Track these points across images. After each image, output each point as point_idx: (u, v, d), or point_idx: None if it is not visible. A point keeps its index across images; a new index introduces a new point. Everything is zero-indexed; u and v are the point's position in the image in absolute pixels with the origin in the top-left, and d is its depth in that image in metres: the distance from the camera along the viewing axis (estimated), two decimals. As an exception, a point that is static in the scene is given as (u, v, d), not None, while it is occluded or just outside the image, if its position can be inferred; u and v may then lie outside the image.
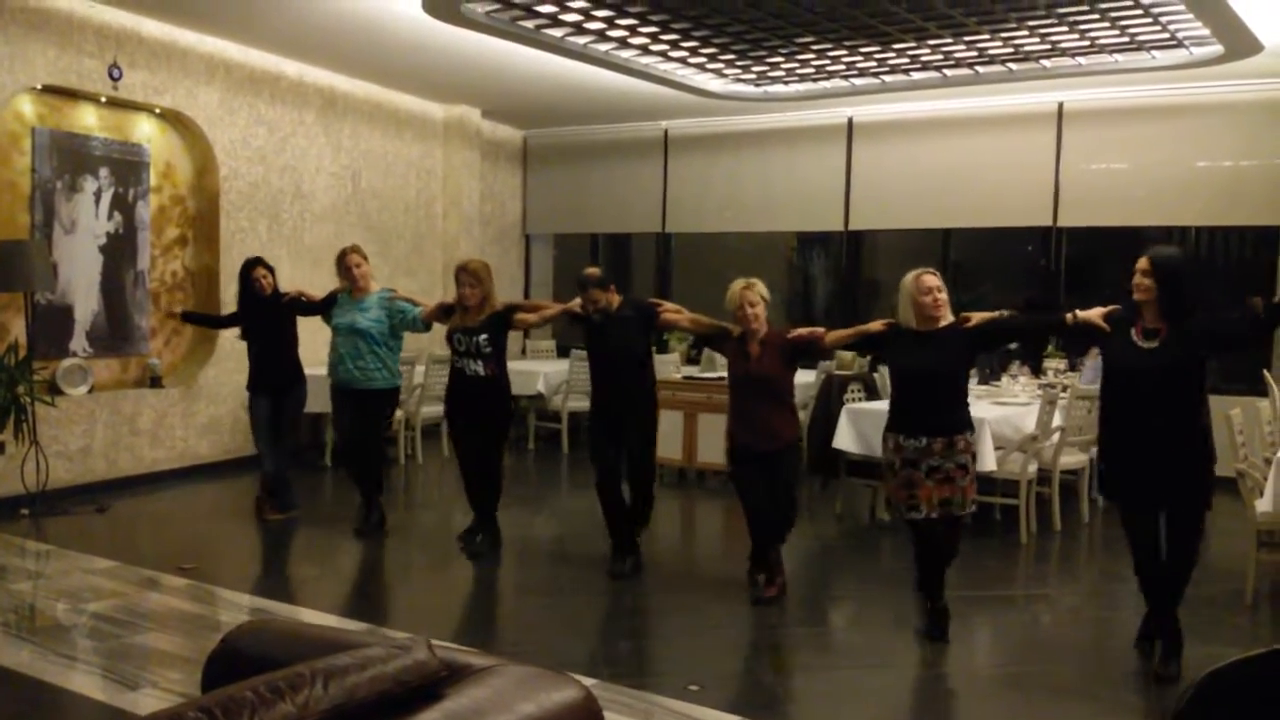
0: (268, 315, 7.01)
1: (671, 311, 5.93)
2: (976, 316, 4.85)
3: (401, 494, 8.66)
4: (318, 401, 7.53)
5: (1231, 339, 4.57)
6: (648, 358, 6.03)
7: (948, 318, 4.83)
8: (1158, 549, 4.53)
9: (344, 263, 6.75)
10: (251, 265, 7.06)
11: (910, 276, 4.87)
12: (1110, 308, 4.53)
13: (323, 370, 7.07)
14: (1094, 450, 7.55)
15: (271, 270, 7.08)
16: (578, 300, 6.02)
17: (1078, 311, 4.61)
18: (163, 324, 8.63)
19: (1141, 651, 4.74)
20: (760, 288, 5.36)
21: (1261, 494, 5.46)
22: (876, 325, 5.05)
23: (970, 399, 7.33)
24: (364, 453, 6.84)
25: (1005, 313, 5.04)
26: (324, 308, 6.89)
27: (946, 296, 4.82)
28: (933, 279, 4.81)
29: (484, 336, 6.10)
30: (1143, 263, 4.35)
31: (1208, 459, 4.45)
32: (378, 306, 6.67)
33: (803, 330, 5.38)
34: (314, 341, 7.62)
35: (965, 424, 4.83)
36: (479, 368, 6.13)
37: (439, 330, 9.53)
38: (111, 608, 5.22)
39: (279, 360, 7.04)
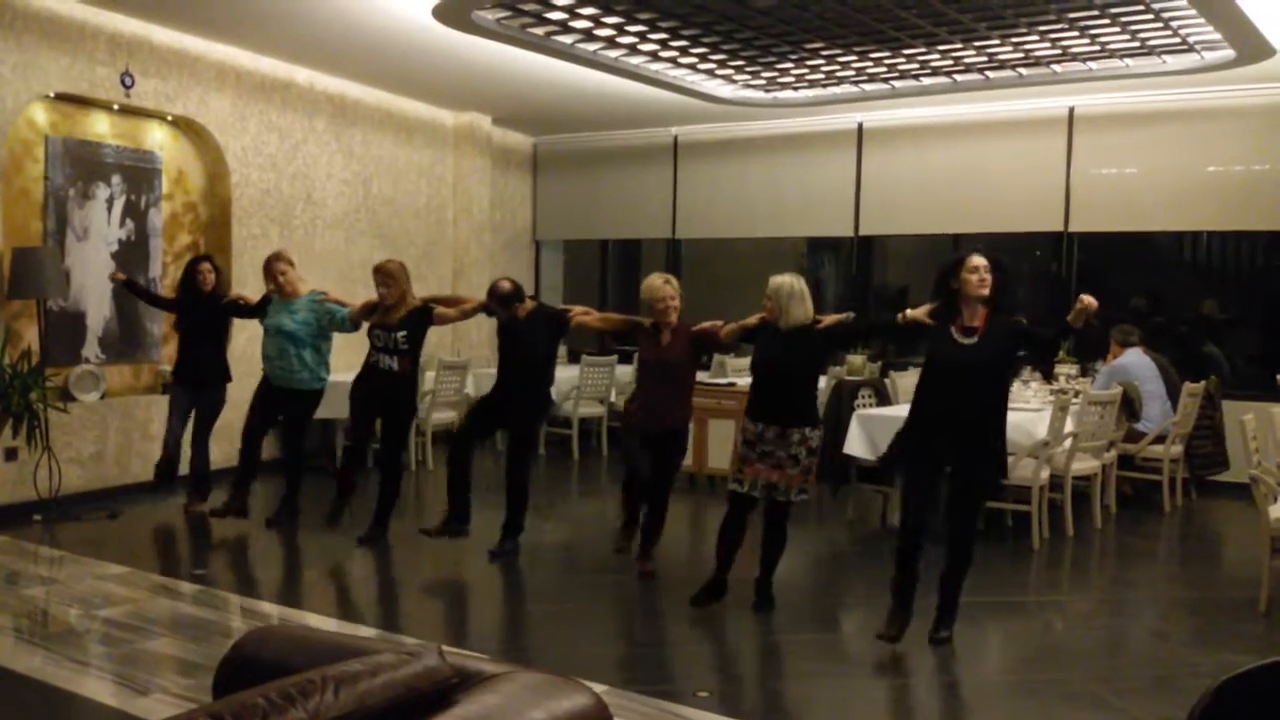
0: (203, 312, 7.23)
1: (580, 313, 6.40)
2: (826, 320, 5.31)
3: (412, 500, 8.66)
4: (329, 408, 7.55)
5: (1043, 343, 5.27)
6: (547, 364, 6.46)
7: (796, 321, 5.19)
8: (925, 517, 4.85)
9: (269, 270, 6.97)
10: (198, 261, 7.31)
11: (769, 284, 5.30)
12: (933, 305, 4.84)
13: (340, 376, 7.23)
14: (1109, 454, 7.55)
15: (218, 270, 7.29)
16: None
17: (907, 311, 4.98)
18: (174, 330, 8.64)
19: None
20: (675, 282, 5.88)
21: (1275, 499, 5.43)
22: (753, 320, 5.42)
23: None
24: (291, 455, 7.15)
25: (851, 315, 5.63)
26: (258, 311, 7.11)
27: (785, 304, 5.18)
28: (770, 286, 5.24)
29: (402, 334, 6.43)
30: (981, 260, 4.69)
31: (1003, 447, 4.88)
32: (306, 309, 6.88)
33: (705, 324, 5.79)
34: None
35: (804, 419, 5.23)
36: (393, 363, 6.47)
37: (450, 334, 9.54)
38: (123, 613, 5.23)
39: (203, 357, 7.25)
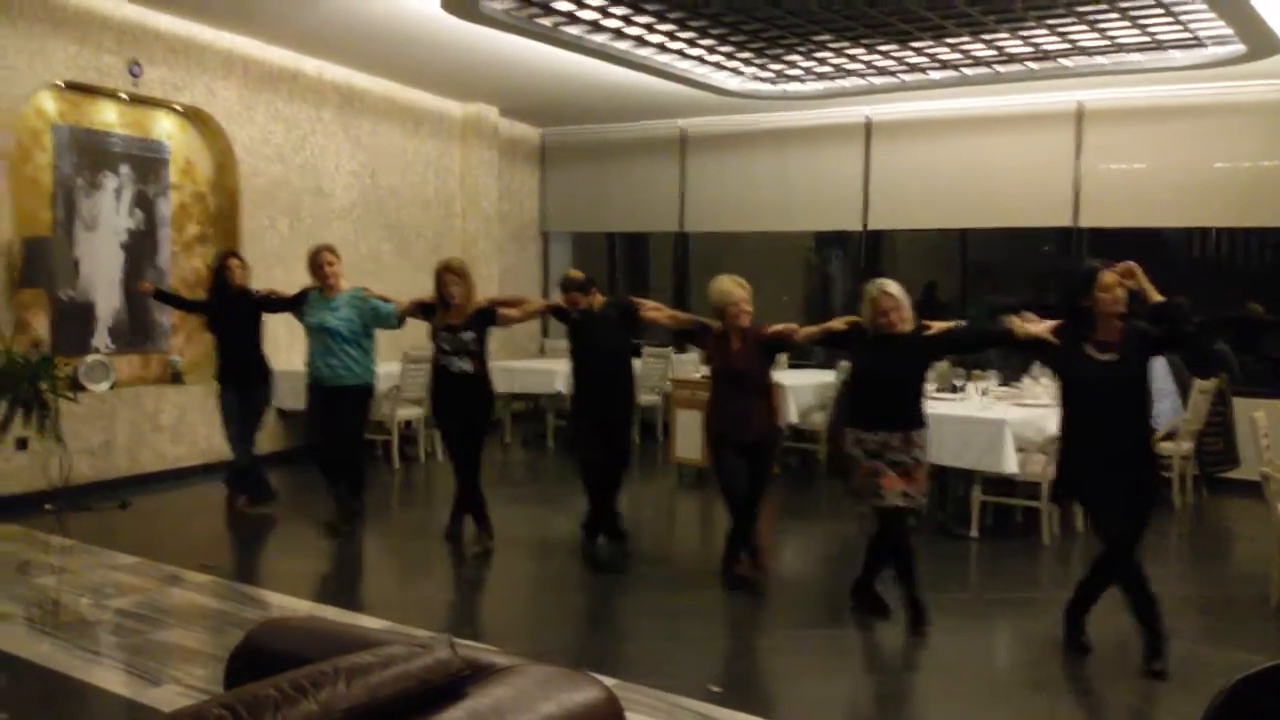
0: (235, 308, 7.10)
1: (652, 309, 6.15)
2: (936, 326, 5.05)
3: (423, 492, 8.68)
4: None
5: (1171, 345, 4.87)
6: (629, 355, 6.29)
7: (907, 326, 4.98)
8: (1136, 548, 4.63)
9: (316, 261, 6.76)
10: (225, 255, 7.22)
11: (874, 290, 5.01)
12: (1057, 323, 4.70)
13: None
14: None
15: (244, 264, 7.18)
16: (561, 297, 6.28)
17: (1029, 327, 4.80)
18: (184, 321, 8.66)
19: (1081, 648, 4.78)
20: (747, 285, 5.54)
21: (1286, 497, 5.41)
22: (839, 324, 5.26)
23: (991, 400, 7.41)
24: (336, 450, 6.87)
25: (962, 324, 5.37)
26: (294, 305, 6.92)
27: (905, 311, 4.97)
28: (889, 300, 4.95)
29: (470, 334, 6.21)
30: (1115, 276, 4.51)
31: (1156, 461, 4.78)
32: (348, 305, 6.71)
33: (778, 327, 5.57)
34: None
35: (920, 422, 5.05)
36: (466, 365, 6.22)
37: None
38: (134, 603, 5.25)
39: (241, 354, 7.12)
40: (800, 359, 10.18)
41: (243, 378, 7.13)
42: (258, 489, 7.32)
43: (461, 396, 6.29)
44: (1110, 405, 4.51)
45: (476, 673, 1.95)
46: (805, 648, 4.99)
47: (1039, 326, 4.73)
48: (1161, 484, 4.79)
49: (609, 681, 2.80)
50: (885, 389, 5.01)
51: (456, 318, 6.22)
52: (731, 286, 5.48)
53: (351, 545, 6.66)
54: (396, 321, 6.69)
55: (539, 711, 1.87)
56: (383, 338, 7.00)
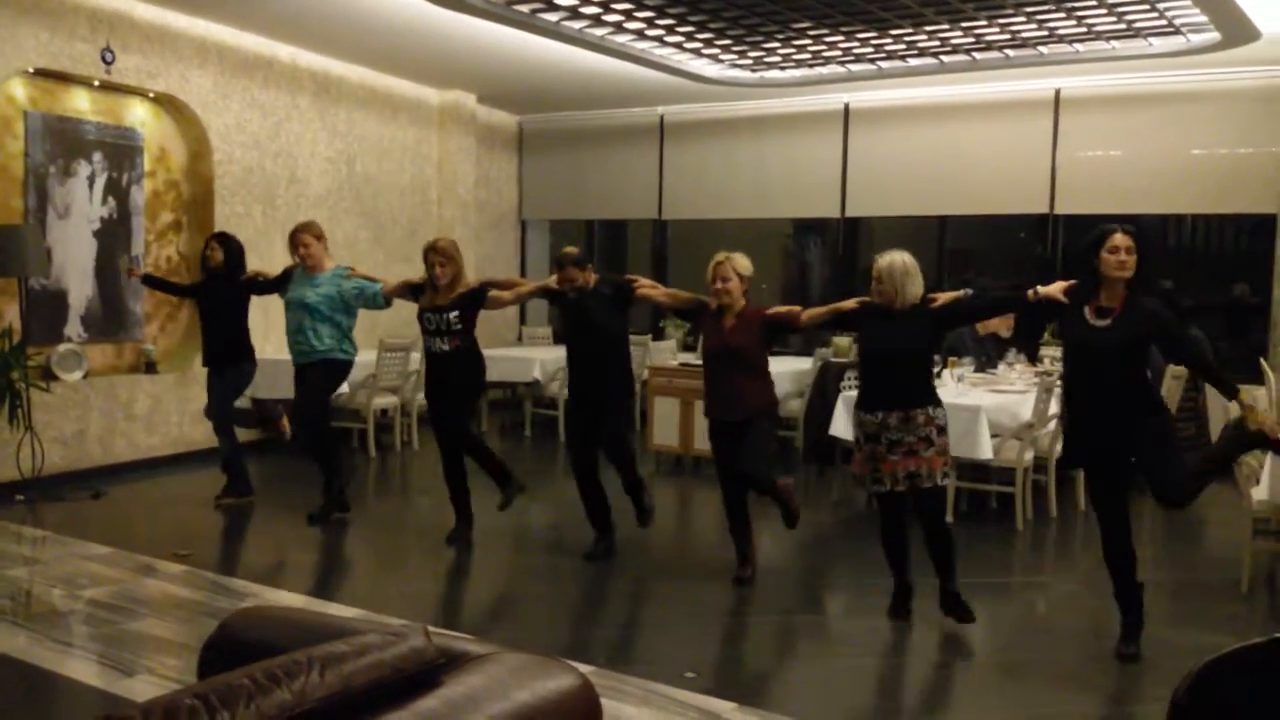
0: (216, 290, 7.04)
1: (647, 287, 6.02)
2: (943, 297, 4.93)
3: (398, 480, 8.66)
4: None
5: (1178, 353, 4.77)
6: (625, 335, 6.15)
7: (909, 300, 4.84)
8: (1128, 527, 4.58)
9: (293, 241, 6.73)
10: (210, 238, 7.17)
11: (874, 265, 4.92)
12: (1070, 283, 4.59)
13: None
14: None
15: (228, 246, 7.04)
16: (554, 277, 6.09)
17: (1039, 288, 4.67)
18: (157, 309, 8.59)
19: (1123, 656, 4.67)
20: (738, 261, 5.42)
21: (1258, 482, 5.47)
22: (849, 304, 5.12)
23: (966, 386, 7.44)
24: (306, 427, 6.79)
25: (968, 292, 5.18)
26: (280, 285, 6.88)
27: (895, 284, 4.81)
28: (877, 271, 4.85)
29: (454, 314, 6.09)
30: (1124, 239, 4.40)
31: (1167, 422, 4.61)
32: (330, 283, 6.66)
33: (780, 308, 5.47)
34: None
35: (925, 399, 4.83)
36: (445, 344, 6.10)
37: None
38: (108, 594, 5.21)
39: (221, 335, 7.04)
40: (779, 346, 10.19)
41: (221, 360, 7.04)
42: (236, 482, 7.22)
43: (443, 376, 6.17)
44: (1102, 372, 4.42)
45: (451, 661, 1.94)
46: (780, 634, 5.02)
47: (1052, 287, 4.61)
48: (1173, 437, 4.67)
49: (585, 669, 2.81)
50: (885, 365, 4.86)
51: (443, 299, 6.13)
52: (713, 264, 5.45)
53: (327, 535, 6.63)
54: (384, 301, 6.62)
55: (513, 699, 1.86)
56: (359, 326, 6.94)
